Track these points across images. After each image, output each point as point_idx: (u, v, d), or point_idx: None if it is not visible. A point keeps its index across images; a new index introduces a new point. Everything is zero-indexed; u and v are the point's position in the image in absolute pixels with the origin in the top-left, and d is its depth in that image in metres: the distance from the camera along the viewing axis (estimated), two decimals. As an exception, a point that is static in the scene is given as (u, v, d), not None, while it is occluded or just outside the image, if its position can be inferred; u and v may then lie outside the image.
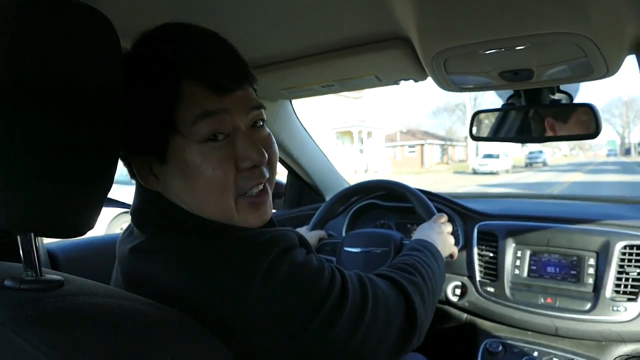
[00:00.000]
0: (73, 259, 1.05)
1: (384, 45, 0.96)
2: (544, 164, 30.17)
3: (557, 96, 1.12)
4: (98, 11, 0.46)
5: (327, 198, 1.80)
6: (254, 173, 0.61)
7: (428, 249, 0.90)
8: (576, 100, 1.12)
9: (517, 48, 0.81)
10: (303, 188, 1.83)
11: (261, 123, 0.63)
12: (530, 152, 31.84)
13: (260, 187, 0.63)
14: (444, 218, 1.14)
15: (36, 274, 0.45)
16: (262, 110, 0.63)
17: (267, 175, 0.63)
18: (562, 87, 1.11)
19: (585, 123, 1.07)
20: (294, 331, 0.54)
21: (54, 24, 0.43)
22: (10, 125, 0.40)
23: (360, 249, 1.26)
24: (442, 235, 1.05)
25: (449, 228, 1.12)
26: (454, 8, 0.72)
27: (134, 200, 0.65)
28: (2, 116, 0.40)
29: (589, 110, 1.03)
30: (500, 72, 0.93)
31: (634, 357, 1.14)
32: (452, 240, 1.10)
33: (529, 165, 30.06)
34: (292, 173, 1.78)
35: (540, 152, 30.81)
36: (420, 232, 1.06)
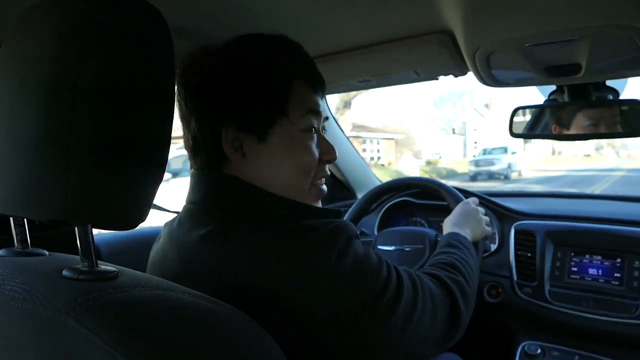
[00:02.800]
0: (114, 251, 1.08)
1: (425, 40, 0.94)
2: (506, 176, 17.15)
3: (603, 92, 1.08)
4: (151, 5, 0.46)
5: (359, 195, 1.79)
6: (326, 167, 0.73)
7: (463, 244, 0.93)
8: (622, 97, 1.08)
9: (567, 41, 0.79)
10: (335, 185, 1.83)
11: (324, 131, 0.74)
12: (486, 151, 18.29)
13: (324, 180, 0.74)
14: (475, 200, 1.13)
15: (92, 265, 0.46)
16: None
17: (328, 173, 0.75)
18: (608, 82, 1.07)
19: (634, 119, 1.03)
20: (357, 316, 0.57)
21: (111, 19, 0.43)
22: (69, 119, 0.41)
23: (395, 246, 1.25)
24: (474, 219, 1.05)
25: (481, 210, 1.10)
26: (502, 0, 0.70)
27: (198, 190, 0.68)
28: (62, 110, 0.41)
29: (639, 106, 0.99)
30: (546, 67, 0.91)
31: None
32: (486, 221, 1.08)
33: (475, 177, 17.31)
34: (325, 170, 1.78)
35: (503, 151, 17.36)
36: (452, 221, 1.05)
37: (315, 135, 0.70)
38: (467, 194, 1.47)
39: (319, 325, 0.56)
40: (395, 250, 1.24)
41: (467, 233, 1.00)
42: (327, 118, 0.74)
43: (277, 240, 0.59)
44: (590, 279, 1.21)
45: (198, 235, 0.62)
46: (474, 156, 18.41)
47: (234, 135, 0.65)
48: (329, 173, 0.74)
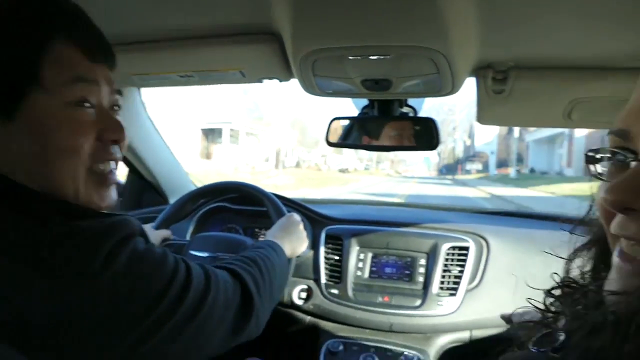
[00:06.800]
0: None
1: (253, 39, 0.92)
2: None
3: (405, 109, 1.21)
4: None
5: (171, 200, 1.67)
6: (112, 148, 0.62)
7: (270, 246, 0.96)
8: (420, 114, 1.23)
9: (381, 57, 0.85)
10: (144, 189, 1.67)
11: (117, 109, 0.64)
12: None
13: (112, 165, 0.63)
14: (295, 216, 1.20)
15: None
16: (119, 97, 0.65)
17: (119, 156, 0.64)
18: (409, 101, 1.20)
19: (426, 135, 1.17)
20: (135, 319, 0.54)
21: None
22: None
23: (208, 253, 1.19)
24: (293, 232, 1.12)
25: (300, 225, 1.18)
26: (330, 10, 0.73)
27: None
28: None
29: (431, 124, 1.13)
30: (363, 80, 0.97)
31: (454, 344, 1.29)
32: (304, 234, 1.17)
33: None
34: (133, 171, 1.61)
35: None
36: (273, 234, 1.09)
37: (91, 110, 0.58)
38: (286, 200, 1.50)
39: (85, 339, 0.51)
40: (208, 257, 1.18)
41: (286, 246, 1.04)
42: (119, 92, 0.63)
43: (37, 237, 0.50)
44: (386, 277, 1.35)
45: None
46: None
47: None
48: (118, 156, 0.63)
